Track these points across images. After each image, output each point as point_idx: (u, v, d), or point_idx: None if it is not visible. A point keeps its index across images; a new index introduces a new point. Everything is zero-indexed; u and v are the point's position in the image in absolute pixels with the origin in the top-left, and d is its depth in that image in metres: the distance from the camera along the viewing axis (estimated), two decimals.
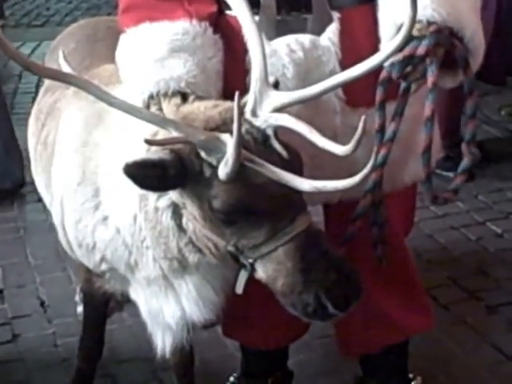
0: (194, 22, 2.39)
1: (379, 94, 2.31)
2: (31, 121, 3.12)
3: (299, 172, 2.13)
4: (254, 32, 2.19)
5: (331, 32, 2.44)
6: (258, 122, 2.12)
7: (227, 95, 2.43)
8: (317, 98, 2.16)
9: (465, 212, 4.99)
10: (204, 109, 2.20)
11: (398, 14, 2.23)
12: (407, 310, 2.93)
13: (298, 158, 2.16)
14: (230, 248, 2.16)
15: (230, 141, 2.00)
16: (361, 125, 1.93)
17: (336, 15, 2.44)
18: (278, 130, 2.14)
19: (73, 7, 10.94)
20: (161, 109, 2.31)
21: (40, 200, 3.16)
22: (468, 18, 2.29)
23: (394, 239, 2.72)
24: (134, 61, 2.41)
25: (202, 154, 2.08)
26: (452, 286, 4.16)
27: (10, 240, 4.77)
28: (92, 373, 3.13)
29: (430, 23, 2.22)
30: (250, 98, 2.14)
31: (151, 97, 2.33)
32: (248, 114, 2.14)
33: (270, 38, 2.43)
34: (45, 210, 2.92)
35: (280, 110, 2.12)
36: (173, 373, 3.10)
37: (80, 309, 3.52)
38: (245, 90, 2.18)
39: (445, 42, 2.23)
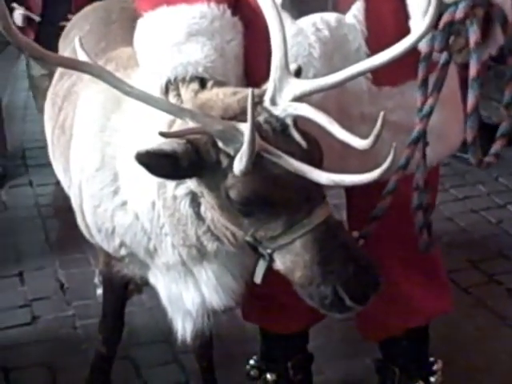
0: (212, 4, 2.35)
1: (422, 71, 2.23)
2: (47, 105, 3.11)
3: (318, 162, 2.09)
4: (275, 17, 2.15)
5: (356, 10, 2.40)
6: (277, 111, 2.08)
7: (250, 77, 2.43)
8: (338, 86, 2.10)
9: (485, 195, 4.98)
10: (223, 96, 2.15)
11: None
12: (428, 293, 2.91)
13: (317, 147, 2.12)
14: (248, 238, 2.13)
15: (246, 133, 1.97)
16: (380, 120, 1.89)
17: None
18: (299, 119, 2.10)
19: None
20: (179, 94, 2.27)
21: (58, 182, 3.14)
22: None
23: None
24: (152, 45, 2.37)
25: (220, 143, 2.04)
26: (472, 269, 4.16)
27: (28, 221, 4.79)
28: (112, 356, 3.12)
29: None
30: (269, 86, 2.10)
31: (169, 82, 2.30)
32: (267, 103, 2.10)
33: (295, 17, 2.40)
34: (63, 192, 2.90)
35: (300, 98, 2.08)
36: (193, 355, 3.09)
37: (99, 291, 3.52)
38: (268, 72, 2.15)
39: (482, 2, 2.15)
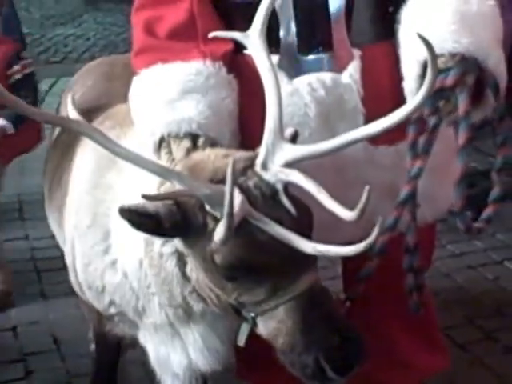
0: (208, 62, 2.38)
1: (411, 133, 2.25)
2: (47, 158, 3.12)
3: (308, 229, 2.08)
4: (272, 81, 2.15)
5: (352, 69, 2.42)
6: (268, 176, 2.07)
7: (246, 135, 2.44)
8: (331, 153, 2.08)
9: (482, 251, 4.96)
10: (214, 158, 2.15)
11: (420, 51, 2.19)
12: (423, 350, 2.90)
13: (307, 213, 2.10)
14: (232, 301, 2.12)
15: (236, 199, 1.95)
16: (364, 195, 1.86)
17: (357, 53, 2.43)
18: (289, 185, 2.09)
19: (91, 44, 11.05)
20: (170, 152, 2.28)
21: (53, 236, 3.13)
22: (490, 45, 2.24)
23: None
24: (146, 103, 2.39)
25: (207, 207, 2.03)
26: (469, 326, 4.12)
27: (23, 275, 4.77)
28: None
29: (453, 55, 2.18)
30: (261, 150, 2.10)
31: (162, 139, 2.31)
32: (258, 167, 2.09)
33: (291, 77, 2.42)
34: (57, 247, 2.90)
35: (292, 164, 2.07)
36: None
37: (93, 346, 3.49)
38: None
39: (472, 69, 2.17)
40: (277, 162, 2.08)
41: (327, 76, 2.43)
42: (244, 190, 2.00)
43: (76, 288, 2.70)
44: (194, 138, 2.29)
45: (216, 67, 2.38)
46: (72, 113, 2.08)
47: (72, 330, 4.04)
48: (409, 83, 2.31)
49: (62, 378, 3.77)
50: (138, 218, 2.00)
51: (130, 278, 2.39)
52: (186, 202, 2.05)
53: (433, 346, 2.97)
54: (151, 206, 2.02)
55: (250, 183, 2.05)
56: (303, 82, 2.43)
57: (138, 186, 2.27)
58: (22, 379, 3.78)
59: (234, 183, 1.93)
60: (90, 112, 2.72)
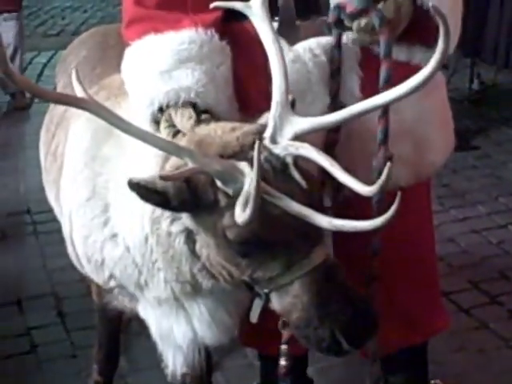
0: (200, 30, 2.35)
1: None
2: (43, 130, 3.09)
3: (317, 201, 2.07)
4: (276, 53, 2.12)
5: (350, 32, 2.40)
6: (278, 150, 2.03)
7: (242, 103, 2.42)
8: (339, 124, 2.08)
9: (486, 215, 4.96)
10: (221, 132, 2.11)
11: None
12: (427, 310, 2.90)
13: (316, 186, 2.10)
14: (245, 278, 2.10)
15: (248, 175, 1.92)
16: (386, 170, 1.83)
17: None
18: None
19: (88, 16, 11.01)
20: (173, 125, 2.26)
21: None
22: None
23: (416, 238, 2.68)
24: (141, 74, 2.36)
25: (218, 183, 2.00)
26: (473, 291, 4.13)
27: (26, 249, 4.77)
28: None
29: None
30: (269, 124, 2.06)
31: (160, 110, 2.29)
32: (267, 141, 2.05)
33: (292, 43, 2.40)
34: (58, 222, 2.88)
35: (301, 136, 2.04)
36: (191, 382, 3.06)
37: None
38: (267, 97, 2.12)
39: None
40: (285, 136, 2.04)
41: (327, 40, 2.41)
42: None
43: (74, 260, 2.67)
44: (194, 108, 2.26)
45: (208, 35, 2.35)
46: (78, 90, 2.03)
47: (76, 302, 4.05)
48: None
49: (66, 351, 3.78)
50: (147, 193, 1.98)
51: (132, 252, 2.36)
52: (196, 179, 2.02)
53: (435, 307, 2.98)
54: (160, 183, 1.99)
55: (261, 158, 2.02)
56: (304, 47, 2.41)
57: (140, 160, 2.25)
58: (27, 353, 3.79)
59: (249, 161, 1.91)
60: (85, 81, 2.69)
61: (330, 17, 2.30)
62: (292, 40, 2.41)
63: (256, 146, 1.86)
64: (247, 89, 2.43)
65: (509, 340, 3.69)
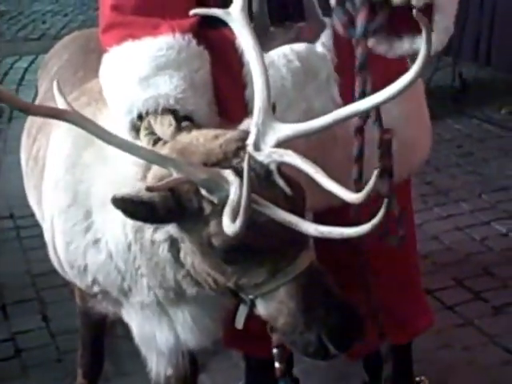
0: (178, 35, 2.33)
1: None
2: (24, 135, 3.07)
3: (302, 207, 2.06)
4: (257, 59, 2.11)
5: (325, 38, 2.41)
6: (261, 157, 2.02)
7: (226, 108, 2.42)
8: (322, 130, 2.03)
9: (469, 212, 4.98)
10: (204, 140, 2.10)
11: None
12: (410, 310, 2.92)
13: (301, 192, 2.08)
14: (231, 285, 2.10)
15: (233, 183, 1.91)
16: (373, 177, 1.82)
17: (329, 21, 2.40)
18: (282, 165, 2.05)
19: (69, 20, 10.97)
20: (152, 133, 2.24)
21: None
22: None
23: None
24: (119, 81, 2.35)
25: (203, 191, 1.99)
26: (457, 288, 4.14)
27: (10, 254, 4.76)
28: None
29: None
30: (252, 131, 2.05)
31: (139, 117, 2.28)
32: (250, 148, 2.04)
33: (266, 50, 2.39)
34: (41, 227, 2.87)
35: (284, 143, 2.03)
36: None
37: None
38: (243, 104, 2.12)
39: None
40: (269, 143, 2.03)
41: (301, 46, 2.41)
42: (239, 173, 1.95)
43: (56, 266, 2.66)
44: (174, 115, 2.25)
45: (186, 40, 2.34)
46: (60, 102, 2.01)
47: (61, 307, 4.04)
48: None
49: (52, 355, 3.76)
50: (133, 207, 1.97)
51: (115, 258, 2.35)
52: (180, 188, 2.01)
53: (420, 306, 3.00)
54: (145, 194, 1.98)
55: (249, 169, 2.01)
56: (278, 53, 2.41)
57: (121, 169, 2.24)
58: (11, 358, 3.77)
59: (233, 168, 1.92)
60: (66, 86, 2.68)
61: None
62: (266, 46, 2.39)
63: (245, 158, 1.86)
64: (224, 95, 2.43)
65: (493, 336, 3.71)
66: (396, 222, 2.48)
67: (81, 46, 3.17)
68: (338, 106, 2.40)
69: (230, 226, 1.87)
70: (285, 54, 2.40)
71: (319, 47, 2.41)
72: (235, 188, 1.91)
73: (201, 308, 2.39)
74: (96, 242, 2.39)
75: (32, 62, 8.58)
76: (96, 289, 2.50)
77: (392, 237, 2.50)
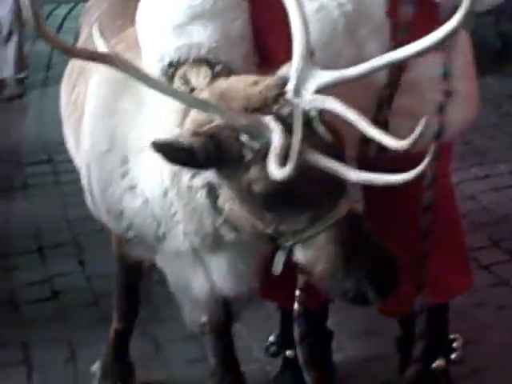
0: None
1: None
2: (64, 80, 3.08)
3: (342, 154, 2.05)
4: (296, 6, 2.08)
5: None
6: (302, 103, 2.01)
7: (267, 54, 2.40)
8: (363, 77, 2.02)
9: (507, 173, 4.95)
10: (243, 86, 2.09)
11: None
12: (451, 270, 2.90)
13: (340, 139, 2.07)
14: (269, 231, 2.10)
15: (275, 129, 1.90)
16: (421, 124, 1.81)
17: None
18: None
19: None
20: (188, 82, 2.23)
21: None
22: None
23: (442, 196, 2.68)
24: (153, 27, 2.34)
25: (244, 138, 1.99)
26: (494, 248, 4.13)
27: (47, 198, 4.81)
28: (128, 332, 3.13)
29: None
30: (292, 77, 2.03)
31: (171, 64, 2.27)
32: (290, 94, 2.03)
33: None
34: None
35: (324, 89, 2.01)
36: (210, 332, 3.08)
37: None
38: (286, 49, 2.10)
39: None
40: (309, 89, 2.01)
41: None
42: (280, 119, 1.95)
43: (93, 210, 2.68)
44: (209, 65, 2.24)
45: None
46: (102, 46, 2.01)
47: (97, 250, 4.07)
48: None
49: (87, 298, 3.81)
50: (172, 152, 1.97)
51: (151, 204, 2.36)
52: (220, 134, 2.01)
53: (460, 268, 2.97)
54: (185, 140, 1.98)
55: (285, 111, 2.00)
56: None
57: (158, 115, 2.25)
58: (48, 299, 3.83)
59: (274, 114, 1.91)
60: (106, 33, 2.68)
61: None
62: None
63: (296, 104, 1.86)
64: (266, 40, 2.40)
65: None
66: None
67: None
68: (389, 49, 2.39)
69: (278, 171, 1.86)
70: None
71: None
72: (278, 134, 1.91)
73: (237, 255, 2.40)
74: (132, 187, 2.40)
75: (71, 10, 8.59)
76: (131, 234, 2.52)
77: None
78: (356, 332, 3.47)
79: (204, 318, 3.13)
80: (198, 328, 2.90)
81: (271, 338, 3.27)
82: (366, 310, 3.40)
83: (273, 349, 3.26)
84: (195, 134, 2.00)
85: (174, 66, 2.27)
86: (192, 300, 2.59)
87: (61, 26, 8.36)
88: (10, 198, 4.90)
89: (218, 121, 2.03)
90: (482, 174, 4.94)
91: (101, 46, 2.02)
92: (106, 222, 2.62)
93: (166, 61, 2.27)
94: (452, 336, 3.18)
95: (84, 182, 2.65)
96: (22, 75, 6.76)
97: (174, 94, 2.03)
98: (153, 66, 2.30)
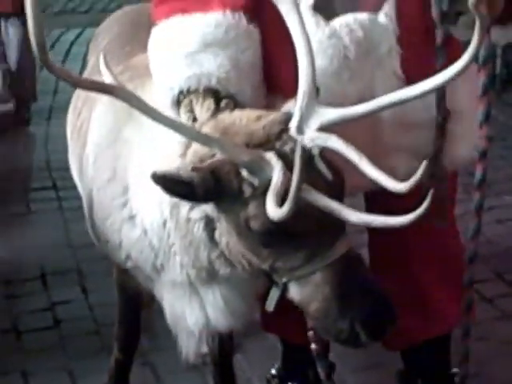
0: (228, 12, 2.31)
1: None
2: (71, 107, 3.10)
3: (342, 193, 2.06)
4: (302, 39, 2.07)
5: (388, 8, 2.36)
6: (304, 141, 1.99)
7: (277, 84, 2.40)
8: (368, 116, 2.01)
9: (511, 205, 4.93)
10: (247, 121, 2.10)
11: None
12: (451, 300, 2.89)
13: (340, 178, 2.07)
14: (265, 267, 2.09)
15: (276, 166, 1.91)
16: (421, 168, 1.81)
17: None
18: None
19: None
20: (192, 111, 2.24)
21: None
22: None
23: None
24: (165, 55, 2.34)
25: (244, 173, 1.99)
26: (497, 280, 4.11)
27: (51, 224, 4.81)
28: (129, 362, 3.12)
29: None
30: (295, 114, 2.03)
31: (181, 93, 2.27)
32: (293, 131, 2.02)
33: (328, 18, 2.37)
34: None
35: (327, 127, 2.01)
36: (210, 363, 3.07)
37: None
38: (295, 80, 2.10)
39: None
40: (312, 126, 2.01)
41: (364, 16, 2.37)
42: (282, 156, 1.96)
43: (93, 238, 2.69)
44: (215, 96, 2.24)
45: (236, 18, 2.31)
46: (107, 77, 2.02)
47: (100, 279, 4.07)
48: None
49: (90, 327, 3.81)
50: (172, 185, 1.98)
51: (149, 235, 2.36)
52: (221, 168, 2.01)
53: (460, 298, 2.96)
54: (185, 173, 1.99)
55: (287, 148, 2.01)
56: (341, 23, 2.36)
57: (160, 145, 2.25)
58: (50, 328, 3.82)
59: (276, 151, 1.92)
60: (113, 60, 2.70)
61: (434, 13, 2.26)
62: (328, 15, 2.37)
63: (297, 144, 1.86)
64: (276, 70, 2.41)
65: None
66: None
67: (131, 21, 3.18)
68: (400, 79, 2.39)
69: (275, 210, 1.87)
70: (348, 23, 2.35)
71: (382, 17, 2.37)
72: (278, 171, 1.91)
73: (233, 290, 2.39)
74: (131, 217, 2.41)
75: (79, 35, 8.64)
76: (129, 264, 2.52)
77: (439, 219, 2.48)
78: (358, 365, 3.45)
79: (205, 349, 3.12)
80: (197, 359, 2.89)
81: (273, 371, 3.25)
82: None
83: (274, 381, 3.24)
84: (195, 168, 2.01)
85: (183, 95, 2.27)
86: (187, 332, 2.58)
87: (68, 51, 8.41)
88: (13, 223, 4.90)
89: (219, 155, 2.03)
90: (487, 205, 4.87)
91: (106, 76, 2.03)
92: (106, 251, 2.62)
93: (176, 90, 2.28)
94: (454, 370, 3.17)
95: (85, 209, 2.66)
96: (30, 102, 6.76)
97: (176, 127, 2.03)
98: (163, 94, 2.31)
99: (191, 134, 2.05)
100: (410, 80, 2.32)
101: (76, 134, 2.87)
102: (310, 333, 2.53)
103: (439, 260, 2.77)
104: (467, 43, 1.88)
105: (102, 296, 3.91)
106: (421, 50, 2.41)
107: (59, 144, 3.32)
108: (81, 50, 6.40)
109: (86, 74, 3.11)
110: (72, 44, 8.58)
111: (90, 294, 4.08)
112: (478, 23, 1.81)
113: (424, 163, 1.81)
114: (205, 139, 2.04)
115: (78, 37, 8.68)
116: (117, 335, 3.11)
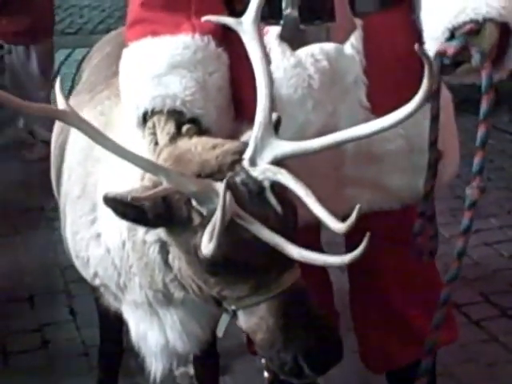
0: (197, 35, 2.33)
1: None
2: (56, 124, 3.11)
3: (293, 227, 2.06)
4: (263, 72, 2.10)
5: (355, 39, 2.39)
6: (256, 173, 2.02)
7: (242, 111, 2.41)
8: (320, 151, 2.03)
9: (497, 228, 4.96)
10: (201, 149, 2.10)
11: (448, 18, 2.21)
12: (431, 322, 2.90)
13: (293, 212, 2.07)
14: (214, 294, 2.11)
15: (221, 200, 1.89)
16: (355, 212, 1.82)
17: (359, 22, 2.39)
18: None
19: (106, 15, 11.00)
20: (154, 133, 2.24)
21: None
22: None
23: None
24: (133, 75, 2.36)
25: (193, 202, 2.00)
26: (484, 303, 4.13)
27: (39, 245, 4.80)
28: (113, 382, 3.13)
29: (465, 23, 2.18)
30: (250, 145, 2.05)
31: (146, 114, 2.28)
32: (246, 162, 2.04)
33: (294, 48, 2.39)
34: None
35: (281, 160, 2.03)
36: None
37: None
38: None
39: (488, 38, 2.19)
40: (265, 159, 2.03)
41: (330, 46, 2.38)
42: (231, 187, 1.95)
43: (68, 254, 2.71)
44: (179, 118, 2.25)
45: (205, 41, 2.33)
46: (60, 102, 2.00)
47: (88, 300, 4.04)
48: (431, 45, 2.30)
49: (78, 348, 3.80)
50: (123, 208, 1.98)
51: (112, 254, 2.39)
52: (171, 195, 2.02)
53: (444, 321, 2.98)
54: (136, 197, 1.99)
55: (238, 179, 2.01)
56: (306, 52, 2.38)
57: (122, 166, 2.22)
58: (38, 349, 3.82)
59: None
60: (100, 78, 2.82)
61: (435, 66, 2.26)
62: (295, 45, 2.40)
63: (222, 187, 1.86)
64: (243, 93, 2.42)
65: None
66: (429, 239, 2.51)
67: (121, 42, 3.19)
68: (366, 109, 2.41)
69: (206, 246, 1.89)
70: (313, 53, 2.38)
71: (348, 48, 2.39)
72: (221, 204, 1.89)
73: (189, 314, 2.42)
74: (98, 235, 2.44)
75: (68, 56, 8.61)
76: (97, 282, 2.56)
77: (427, 255, 2.51)
78: None
79: (191, 371, 3.13)
80: (184, 380, 2.88)
81: None
82: (356, 364, 3.43)
83: None
84: (140, 199, 2.00)
85: (149, 116, 2.28)
86: (150, 353, 2.58)
87: (58, 71, 8.40)
88: (0, 245, 4.88)
89: (167, 184, 2.03)
90: (473, 228, 4.93)
91: (60, 102, 2.01)
92: (77, 268, 2.64)
93: (141, 110, 2.28)
94: None
95: (61, 224, 2.71)
96: None
97: (125, 155, 2.01)
98: (130, 113, 2.32)
99: (137, 162, 2.03)
100: (376, 109, 2.36)
101: (57, 151, 2.91)
102: (263, 361, 2.54)
103: (418, 286, 2.77)
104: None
105: (91, 317, 3.84)
106: (390, 78, 2.43)
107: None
108: (70, 70, 6.39)
109: (74, 91, 3.14)
110: (61, 64, 8.58)
111: (78, 315, 4.07)
112: (426, 70, 1.86)
113: (357, 207, 1.83)
114: (151, 167, 2.04)
115: (67, 58, 8.66)
116: (100, 355, 3.11)
